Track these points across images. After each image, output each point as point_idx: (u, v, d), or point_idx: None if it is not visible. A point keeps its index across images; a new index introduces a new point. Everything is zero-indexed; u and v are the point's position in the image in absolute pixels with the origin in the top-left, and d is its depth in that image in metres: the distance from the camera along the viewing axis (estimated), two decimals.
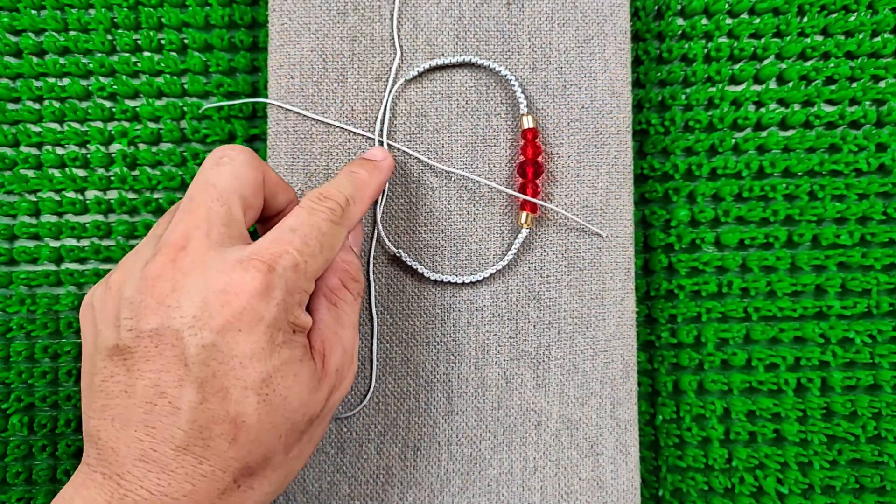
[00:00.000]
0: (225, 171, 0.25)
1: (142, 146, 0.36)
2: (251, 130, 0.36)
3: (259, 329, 0.22)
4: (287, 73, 0.33)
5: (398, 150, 0.33)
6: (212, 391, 0.22)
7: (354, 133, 0.33)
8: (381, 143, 0.33)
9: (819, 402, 0.35)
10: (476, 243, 0.33)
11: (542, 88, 0.33)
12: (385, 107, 0.33)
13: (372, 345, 0.33)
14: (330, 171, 0.33)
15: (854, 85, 0.36)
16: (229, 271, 0.23)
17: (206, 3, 0.37)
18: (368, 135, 0.33)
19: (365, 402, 0.32)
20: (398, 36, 0.33)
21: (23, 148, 0.36)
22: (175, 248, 0.23)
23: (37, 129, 0.36)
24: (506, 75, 0.33)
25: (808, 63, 0.37)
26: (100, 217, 0.36)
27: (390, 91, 0.33)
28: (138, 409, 0.22)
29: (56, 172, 0.36)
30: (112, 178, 0.36)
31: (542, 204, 0.32)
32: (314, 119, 0.33)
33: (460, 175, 0.33)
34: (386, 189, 0.33)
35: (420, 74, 0.33)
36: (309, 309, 0.26)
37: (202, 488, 0.22)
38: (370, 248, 0.33)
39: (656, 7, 0.37)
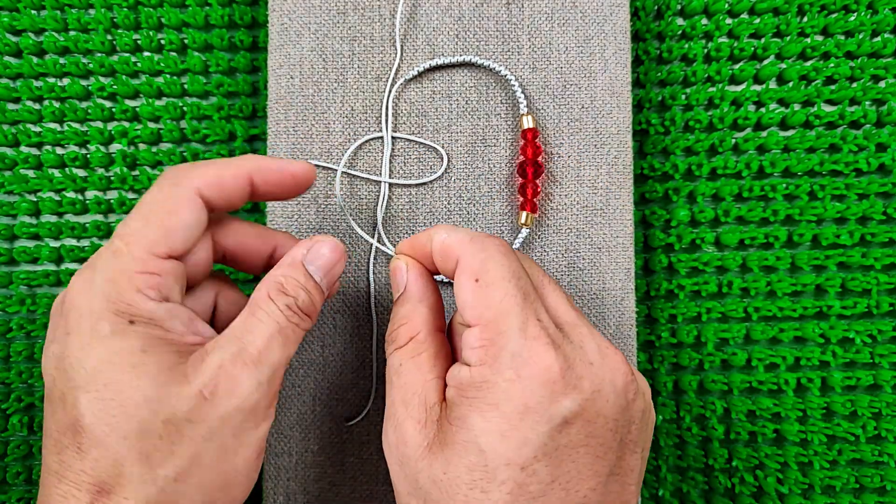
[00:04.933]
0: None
1: (142, 146, 0.36)
2: (251, 130, 0.36)
3: (80, 323, 0.22)
4: (287, 73, 0.33)
5: (405, 141, 0.33)
6: (55, 399, 0.21)
7: (364, 136, 0.33)
8: (393, 139, 0.33)
9: (819, 402, 0.35)
10: None
11: (542, 88, 0.33)
12: (387, 106, 0.33)
13: (372, 345, 0.33)
14: (329, 171, 0.33)
15: (854, 85, 0.36)
16: None
17: (206, 3, 0.37)
18: (378, 134, 0.33)
19: (370, 406, 0.32)
20: (399, 36, 0.33)
21: (23, 148, 0.36)
22: None
23: (37, 129, 0.36)
24: (506, 75, 0.33)
25: (808, 63, 0.37)
26: (100, 217, 0.36)
27: (390, 91, 0.33)
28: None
29: (56, 172, 0.36)
30: (112, 178, 0.36)
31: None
32: (347, 172, 0.33)
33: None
34: (386, 190, 0.33)
35: (420, 74, 0.33)
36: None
37: None
38: (371, 248, 0.33)
39: (656, 7, 0.37)
